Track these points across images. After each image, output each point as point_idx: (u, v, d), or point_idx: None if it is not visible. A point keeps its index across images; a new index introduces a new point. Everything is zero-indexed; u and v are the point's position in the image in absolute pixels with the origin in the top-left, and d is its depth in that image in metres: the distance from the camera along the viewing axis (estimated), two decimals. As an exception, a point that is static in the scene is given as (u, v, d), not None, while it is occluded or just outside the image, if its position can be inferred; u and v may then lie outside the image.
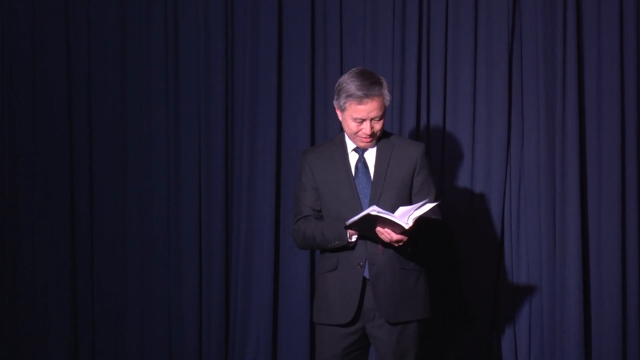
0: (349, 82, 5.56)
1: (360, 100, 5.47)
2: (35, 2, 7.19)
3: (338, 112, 5.60)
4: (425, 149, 5.70)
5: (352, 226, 5.26)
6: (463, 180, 6.72)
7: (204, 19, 6.97)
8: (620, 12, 6.54)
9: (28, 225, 7.16)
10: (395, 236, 5.24)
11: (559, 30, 6.57)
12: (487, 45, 6.69)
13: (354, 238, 5.46)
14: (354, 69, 5.65)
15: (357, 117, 5.48)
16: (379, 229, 5.29)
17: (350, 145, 5.64)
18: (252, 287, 6.88)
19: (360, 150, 5.64)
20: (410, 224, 5.16)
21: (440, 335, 6.72)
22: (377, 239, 5.42)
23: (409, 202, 5.53)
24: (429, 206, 5.27)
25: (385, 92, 5.54)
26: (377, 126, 5.54)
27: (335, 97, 5.57)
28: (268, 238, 6.82)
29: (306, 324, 6.62)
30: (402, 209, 5.26)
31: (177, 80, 7.01)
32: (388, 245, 5.39)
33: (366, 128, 5.51)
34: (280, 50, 6.86)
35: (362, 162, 5.61)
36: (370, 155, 5.62)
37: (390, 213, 5.21)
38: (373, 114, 5.50)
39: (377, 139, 5.63)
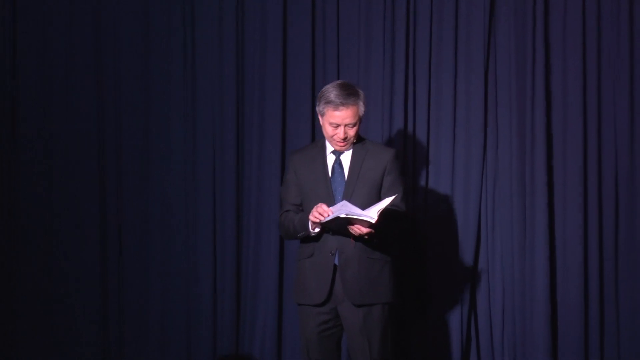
0: (329, 91, 5.91)
1: (336, 107, 5.81)
2: (71, 12, 7.35)
3: (319, 117, 5.93)
4: (395, 154, 6.01)
5: (328, 223, 5.60)
6: (445, 179, 6.99)
7: (218, 35, 7.23)
8: (583, 31, 6.82)
9: (62, 221, 7.33)
10: (365, 230, 5.61)
11: (529, 49, 6.87)
12: (466, 61, 6.96)
13: (316, 230, 5.79)
14: (337, 81, 6.05)
15: (333, 122, 5.83)
16: (350, 226, 5.64)
17: (329, 148, 5.98)
18: (260, 279, 7.15)
19: (337, 153, 5.97)
20: (376, 217, 5.49)
21: (405, 316, 6.90)
22: (349, 234, 5.74)
23: (378, 200, 5.83)
24: (389, 199, 5.60)
25: (361, 103, 5.88)
26: (351, 132, 5.87)
27: (317, 103, 5.94)
28: (274, 235, 7.06)
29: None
30: (368, 208, 5.60)
31: (195, 88, 7.26)
32: (358, 238, 5.73)
33: (340, 133, 5.85)
34: (285, 65, 7.13)
35: (338, 163, 5.95)
36: (346, 158, 5.95)
37: (358, 211, 5.54)
38: (347, 121, 5.82)
39: (353, 143, 5.96)
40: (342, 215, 5.52)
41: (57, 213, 7.38)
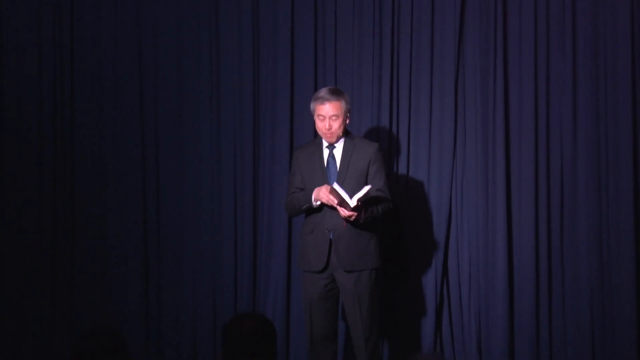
0: (319, 91, 6.53)
1: (322, 102, 6.38)
2: (116, 35, 7.65)
3: (313, 116, 6.47)
4: (379, 147, 6.49)
5: (332, 191, 6.09)
6: (422, 168, 7.35)
7: (238, 49, 7.54)
8: (535, 50, 7.19)
9: (113, 209, 7.65)
10: (347, 212, 6.16)
11: (491, 67, 7.26)
12: (439, 74, 7.32)
13: (318, 203, 6.32)
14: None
15: (320, 114, 6.38)
16: (338, 207, 6.17)
17: (324, 143, 6.49)
18: (272, 247, 7.50)
19: (331, 147, 6.49)
20: (355, 203, 6.06)
21: (389, 280, 7.25)
22: (340, 217, 6.26)
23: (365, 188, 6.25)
24: (366, 188, 6.10)
25: (344, 101, 6.39)
26: (335, 124, 6.39)
27: (311, 104, 6.48)
28: (284, 215, 7.36)
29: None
30: (354, 196, 6.09)
31: (219, 96, 7.58)
32: (348, 221, 6.26)
33: (326, 124, 6.39)
34: (292, 74, 7.50)
35: (331, 156, 6.50)
36: (338, 151, 6.49)
37: (346, 194, 6.05)
38: (331, 113, 6.36)
39: (343, 138, 6.48)
40: (335, 186, 6.05)
41: (109, 201, 7.63)
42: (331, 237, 6.46)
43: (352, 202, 6.12)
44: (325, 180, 6.48)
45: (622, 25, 7.14)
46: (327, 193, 6.21)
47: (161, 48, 7.67)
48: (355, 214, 6.21)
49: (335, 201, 6.19)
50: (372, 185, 6.33)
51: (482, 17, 7.31)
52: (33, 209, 7.68)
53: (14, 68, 7.71)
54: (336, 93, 6.49)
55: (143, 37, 7.65)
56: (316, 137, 6.73)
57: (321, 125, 6.47)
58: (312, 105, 6.50)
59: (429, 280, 7.37)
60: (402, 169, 7.41)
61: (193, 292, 7.64)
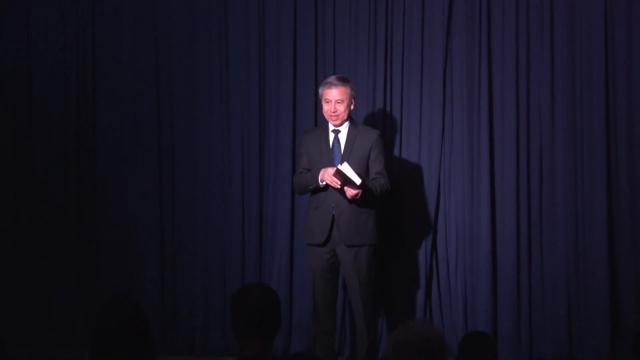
0: (327, 78, 6.67)
1: (329, 86, 6.48)
2: (135, 39, 7.65)
3: (322, 102, 6.56)
4: (380, 134, 6.64)
5: (337, 173, 6.22)
6: (414, 152, 7.38)
7: (247, 50, 7.52)
8: (517, 49, 7.19)
9: (133, 193, 7.67)
10: (353, 192, 6.29)
11: (476, 59, 7.28)
12: (429, 68, 7.34)
13: (323, 183, 6.39)
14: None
15: (327, 98, 6.50)
16: (345, 188, 6.28)
17: (330, 128, 6.57)
18: (277, 223, 7.52)
19: (336, 132, 6.57)
20: (359, 181, 6.21)
21: (385, 254, 7.22)
22: (345, 196, 6.37)
23: (367, 169, 6.49)
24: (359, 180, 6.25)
25: (349, 87, 6.49)
26: (340, 108, 6.47)
27: (319, 89, 6.59)
28: (287, 194, 7.45)
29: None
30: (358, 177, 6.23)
31: (228, 90, 7.57)
32: (351, 201, 6.39)
33: (332, 107, 6.47)
34: (295, 69, 7.52)
35: (336, 140, 6.61)
36: (342, 136, 6.59)
37: (354, 172, 6.19)
38: (337, 97, 6.45)
39: (347, 124, 6.58)
40: (341, 168, 6.21)
41: (129, 187, 7.68)
42: (334, 213, 6.53)
43: (358, 181, 6.23)
44: (330, 160, 6.57)
45: (596, 19, 7.13)
46: (332, 175, 6.29)
47: (176, 48, 7.69)
48: (360, 191, 6.31)
49: (339, 183, 6.27)
50: (372, 168, 6.49)
51: (468, 13, 7.32)
52: (59, 190, 7.73)
53: (41, 67, 7.72)
54: (343, 80, 6.58)
55: (159, 39, 7.66)
56: (322, 123, 6.81)
57: (327, 108, 6.55)
58: (320, 90, 6.59)
59: (420, 255, 7.41)
60: (395, 153, 7.43)
61: (204, 264, 7.65)
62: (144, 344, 3.86)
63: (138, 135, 7.73)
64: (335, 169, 6.31)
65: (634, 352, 3.85)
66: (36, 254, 7.73)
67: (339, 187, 6.33)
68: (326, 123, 6.68)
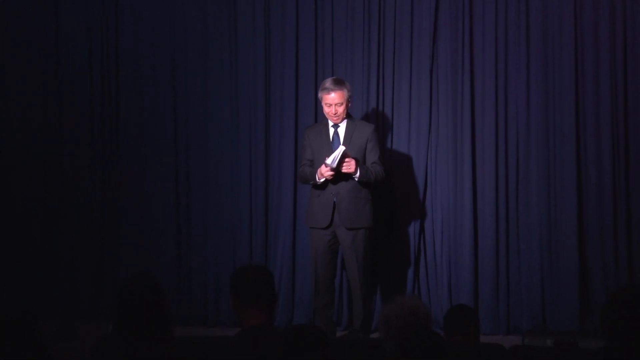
0: (325, 82, 6.63)
1: (328, 92, 6.49)
2: (153, 50, 7.64)
3: (322, 104, 6.60)
4: (375, 128, 6.72)
5: (333, 168, 6.30)
6: (404, 144, 7.36)
7: (254, 52, 7.48)
8: (495, 43, 7.20)
9: (152, 184, 7.66)
10: (352, 167, 6.35)
11: (459, 59, 7.28)
12: (417, 68, 7.33)
13: (322, 180, 6.44)
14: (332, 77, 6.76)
15: (327, 102, 6.51)
16: (343, 169, 6.34)
17: (330, 123, 6.59)
18: (281, 208, 7.50)
19: (335, 126, 6.60)
20: (330, 162, 6.28)
21: (380, 236, 7.19)
22: (342, 175, 6.41)
23: (364, 160, 6.53)
24: (341, 149, 6.32)
25: (345, 90, 6.50)
26: (340, 109, 6.50)
27: (318, 91, 6.63)
28: (290, 183, 7.44)
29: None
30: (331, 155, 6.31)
31: (237, 90, 7.56)
32: (349, 177, 6.42)
33: (332, 110, 6.51)
34: (297, 70, 7.49)
35: (336, 134, 6.65)
36: (342, 130, 6.63)
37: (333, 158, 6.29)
38: (336, 101, 6.48)
39: (345, 120, 6.59)
40: (343, 148, 6.32)
41: (148, 175, 7.69)
42: (335, 200, 6.56)
43: (329, 161, 6.36)
44: (330, 152, 6.54)
45: (567, 24, 7.14)
46: (328, 171, 6.36)
47: (189, 52, 7.68)
48: (354, 162, 6.41)
49: (331, 174, 6.34)
50: (369, 158, 6.54)
51: (452, 21, 7.31)
52: (86, 177, 7.76)
53: (70, 69, 7.73)
54: (339, 83, 6.56)
55: (175, 44, 7.66)
56: (323, 119, 6.80)
57: (328, 110, 6.57)
58: (319, 94, 6.60)
59: (410, 237, 7.42)
60: (387, 146, 7.42)
61: (215, 245, 7.67)
62: (161, 317, 3.89)
63: (156, 128, 7.72)
64: (329, 166, 6.37)
65: (601, 323, 3.80)
66: (65, 235, 7.75)
67: (331, 176, 6.39)
68: (326, 119, 6.71)
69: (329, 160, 6.38)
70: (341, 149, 6.38)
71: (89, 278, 7.73)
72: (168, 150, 7.70)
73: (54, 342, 3.59)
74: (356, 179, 6.54)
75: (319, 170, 6.48)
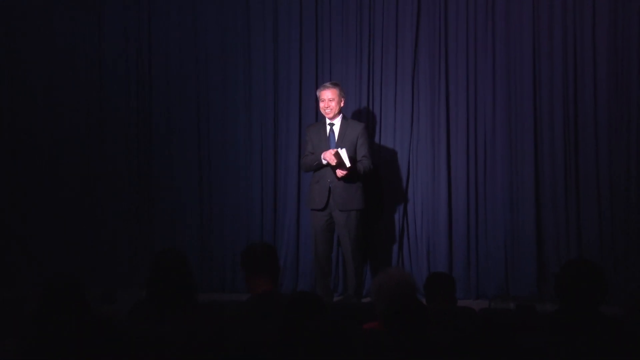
0: (323, 83, 6.67)
1: (323, 88, 6.53)
2: (181, 55, 7.55)
3: (319, 101, 6.56)
4: (365, 126, 6.65)
5: (335, 154, 6.23)
6: (390, 141, 7.31)
7: (264, 60, 7.44)
8: (467, 53, 7.14)
9: (179, 172, 7.57)
10: (342, 172, 6.32)
11: (436, 66, 7.20)
12: (402, 71, 7.26)
13: (325, 161, 6.39)
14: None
15: (321, 98, 6.52)
16: (337, 170, 6.30)
17: (327, 122, 6.55)
18: (287, 193, 7.45)
19: (331, 124, 6.55)
20: (349, 164, 6.25)
21: (369, 217, 7.06)
22: (335, 174, 6.42)
23: (355, 153, 6.45)
24: (343, 153, 6.26)
25: (338, 89, 6.53)
26: (331, 104, 6.46)
27: (317, 92, 6.62)
28: (295, 172, 7.37)
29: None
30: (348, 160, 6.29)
31: (250, 91, 7.49)
32: (339, 178, 6.41)
33: (325, 104, 6.50)
34: (300, 75, 7.41)
35: (332, 131, 6.61)
36: (337, 127, 6.60)
37: (347, 158, 6.24)
38: (329, 97, 6.48)
39: (340, 119, 6.54)
40: (339, 150, 6.27)
41: (176, 163, 7.62)
42: (330, 186, 6.55)
43: (348, 164, 6.29)
44: (328, 146, 6.56)
45: (527, 35, 7.09)
46: (331, 154, 6.28)
47: (210, 58, 7.64)
48: (347, 173, 6.35)
49: (334, 161, 6.27)
50: (359, 152, 6.47)
51: (430, 35, 7.27)
52: (123, 163, 7.73)
53: (110, 73, 7.70)
54: (333, 84, 6.60)
55: (199, 51, 7.62)
56: (322, 119, 6.74)
57: (322, 105, 6.55)
58: (317, 92, 6.59)
59: (395, 218, 7.38)
60: (375, 139, 7.38)
61: (232, 224, 7.64)
62: (186, 285, 3.92)
63: (183, 123, 7.66)
64: (335, 150, 6.32)
65: (554, 289, 3.83)
66: (106, 215, 7.70)
67: (334, 164, 6.32)
68: (324, 118, 6.65)
69: (342, 154, 6.35)
70: (344, 151, 6.37)
71: (126, 251, 7.68)
72: (192, 142, 7.63)
73: (97, 306, 3.59)
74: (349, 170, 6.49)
75: (325, 152, 6.43)
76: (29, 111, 7.70)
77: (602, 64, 6.98)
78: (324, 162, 6.46)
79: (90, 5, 7.60)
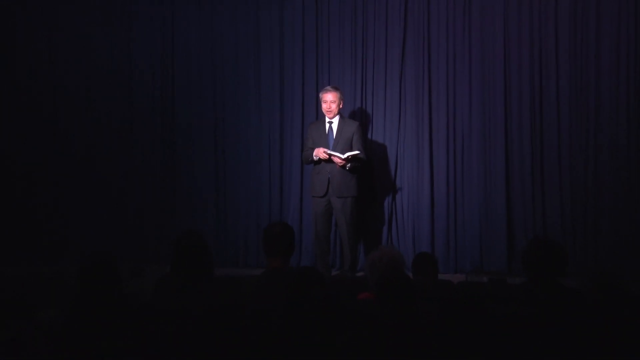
0: (325, 87, 6.62)
1: (326, 92, 6.47)
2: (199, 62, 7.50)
3: (321, 102, 6.55)
4: (359, 124, 6.59)
5: (330, 155, 6.30)
6: (380, 136, 7.26)
7: (272, 65, 7.40)
8: (447, 58, 7.10)
9: (197, 166, 7.55)
10: (340, 161, 6.28)
11: (421, 71, 7.16)
12: (391, 83, 7.21)
13: (316, 158, 6.39)
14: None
15: (324, 100, 6.45)
16: (334, 159, 6.29)
17: (327, 120, 6.50)
18: (292, 182, 7.41)
19: (330, 122, 6.50)
20: (344, 156, 6.21)
21: (362, 204, 6.95)
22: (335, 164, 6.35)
23: (351, 148, 6.41)
24: (355, 152, 6.33)
25: (339, 93, 6.48)
26: (333, 106, 6.42)
27: (319, 94, 6.60)
28: (298, 164, 7.29)
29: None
30: (346, 154, 6.31)
31: (259, 90, 7.46)
32: (343, 167, 6.38)
33: (327, 106, 6.45)
34: (303, 77, 7.36)
35: (330, 128, 6.56)
36: (335, 125, 6.55)
37: (336, 153, 6.22)
38: (330, 99, 6.42)
39: (338, 118, 6.48)
40: (330, 152, 6.33)
41: (195, 154, 7.55)
42: (329, 176, 6.52)
43: (343, 156, 6.27)
44: (327, 142, 6.54)
45: (499, 44, 7.06)
46: (322, 152, 6.27)
47: (225, 64, 7.61)
48: (344, 162, 6.30)
49: (326, 157, 6.28)
50: (354, 147, 6.42)
51: (415, 45, 7.23)
52: (151, 152, 7.68)
53: (138, 77, 7.69)
54: (335, 88, 6.55)
55: (214, 56, 7.58)
56: (322, 117, 6.69)
57: (325, 107, 6.49)
58: (320, 95, 6.55)
59: (385, 203, 7.33)
60: (368, 135, 7.32)
61: (245, 208, 7.59)
62: (205, 261, 3.90)
63: (201, 121, 7.60)
64: (323, 150, 6.33)
65: (522, 264, 3.86)
66: (135, 198, 7.65)
67: (326, 158, 6.32)
68: (324, 117, 6.62)
69: (332, 152, 6.36)
70: (356, 152, 6.39)
71: (152, 231, 7.62)
72: (209, 138, 7.57)
73: (126, 280, 3.60)
74: (347, 168, 6.50)
75: (316, 150, 6.43)
76: (70, 109, 7.68)
77: (563, 67, 6.97)
78: (316, 158, 6.44)
79: (122, 20, 7.61)
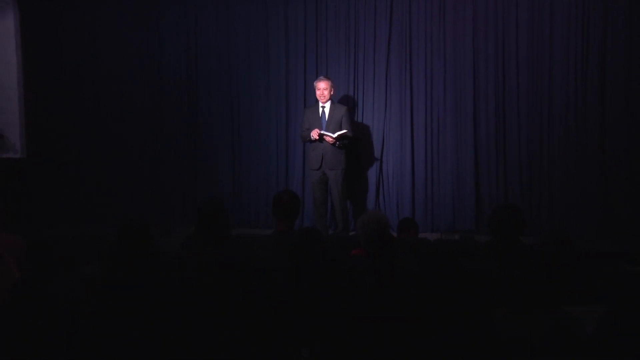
0: (319, 77, 6.55)
1: (319, 80, 6.43)
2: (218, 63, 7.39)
3: (315, 89, 6.49)
4: (347, 108, 6.49)
5: (321, 134, 6.25)
6: (369, 118, 7.15)
7: (279, 61, 7.30)
8: (425, 56, 6.97)
9: (218, 147, 7.42)
10: (331, 140, 6.20)
11: (404, 66, 7.06)
12: (378, 75, 7.07)
13: (312, 138, 6.32)
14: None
15: (318, 87, 6.38)
16: (325, 138, 6.21)
17: (320, 104, 6.42)
18: (295, 157, 7.33)
19: (323, 107, 6.42)
20: (335, 136, 6.15)
21: (351, 175, 6.88)
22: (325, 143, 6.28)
23: (340, 129, 6.32)
24: (343, 132, 6.26)
25: (330, 82, 6.42)
26: (325, 92, 6.35)
27: (314, 83, 6.51)
28: (300, 143, 7.13)
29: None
30: (335, 133, 6.22)
31: (269, 85, 7.38)
32: (333, 144, 6.28)
33: (320, 92, 6.39)
34: (305, 75, 7.26)
35: (323, 112, 6.47)
36: (327, 109, 6.48)
37: (328, 133, 6.14)
38: (323, 87, 6.34)
39: (329, 103, 6.39)
40: (323, 132, 6.16)
41: (215, 138, 7.48)
42: (322, 152, 6.45)
43: (334, 135, 6.20)
44: (320, 124, 6.44)
45: (467, 41, 6.94)
46: (315, 133, 6.21)
47: (240, 62, 7.52)
48: (335, 140, 6.23)
49: (317, 137, 6.21)
50: (343, 127, 6.32)
51: (399, 44, 7.12)
52: (178, 136, 7.57)
53: (167, 70, 7.60)
54: (326, 77, 6.47)
55: (231, 56, 7.50)
56: (316, 102, 6.59)
57: (318, 93, 6.42)
58: (314, 83, 6.48)
59: (371, 175, 7.26)
60: (358, 118, 7.24)
61: (256, 180, 7.52)
62: (223, 223, 3.88)
63: (219, 107, 7.49)
64: (317, 131, 6.26)
65: (487, 225, 3.88)
66: (164, 168, 7.58)
67: (317, 139, 6.27)
68: (318, 102, 6.56)
69: (324, 132, 6.28)
70: (342, 132, 6.27)
71: (179, 197, 7.54)
72: (226, 120, 7.50)
73: (157, 239, 3.62)
74: (337, 145, 6.41)
75: (312, 132, 6.35)
76: (110, 96, 7.63)
77: (523, 59, 6.86)
78: (313, 138, 6.36)
79: (152, 21, 7.54)
